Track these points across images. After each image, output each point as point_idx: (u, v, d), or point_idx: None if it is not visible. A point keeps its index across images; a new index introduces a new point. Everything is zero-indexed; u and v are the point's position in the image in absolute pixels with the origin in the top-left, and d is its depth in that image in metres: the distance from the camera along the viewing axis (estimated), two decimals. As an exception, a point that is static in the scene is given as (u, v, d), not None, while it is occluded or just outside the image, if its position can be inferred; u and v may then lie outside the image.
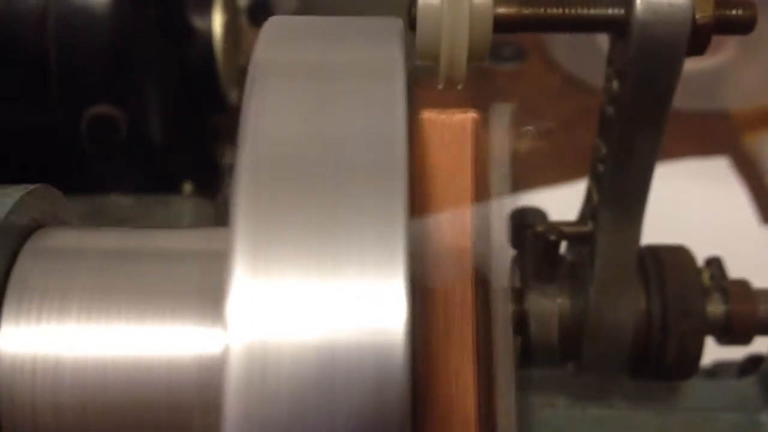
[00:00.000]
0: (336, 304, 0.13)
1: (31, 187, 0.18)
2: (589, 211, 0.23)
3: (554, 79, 0.63)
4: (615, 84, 0.21)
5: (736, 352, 0.34)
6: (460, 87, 0.20)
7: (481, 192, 0.20)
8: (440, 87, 0.20)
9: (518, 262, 0.25)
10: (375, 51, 0.17)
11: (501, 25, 0.20)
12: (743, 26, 0.20)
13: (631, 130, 0.21)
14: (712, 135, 0.57)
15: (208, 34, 0.44)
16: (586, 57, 0.63)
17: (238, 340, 0.13)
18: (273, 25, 0.18)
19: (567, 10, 0.19)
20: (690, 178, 0.46)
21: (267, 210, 0.14)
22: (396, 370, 0.13)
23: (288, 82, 0.16)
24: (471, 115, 0.20)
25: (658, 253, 0.25)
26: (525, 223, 0.25)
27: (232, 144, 0.49)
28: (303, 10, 0.64)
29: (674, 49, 0.19)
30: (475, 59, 0.20)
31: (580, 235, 0.23)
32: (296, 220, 0.14)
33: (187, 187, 0.43)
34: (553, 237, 0.23)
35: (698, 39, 0.19)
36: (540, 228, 0.23)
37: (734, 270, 0.44)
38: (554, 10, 0.20)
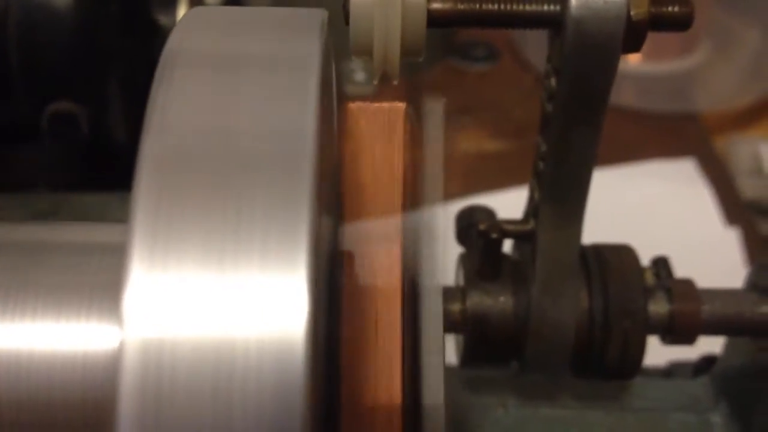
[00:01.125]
0: (236, 300, 0.13)
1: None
2: (531, 209, 0.23)
3: (527, 79, 0.63)
4: (553, 81, 0.21)
5: (692, 352, 0.34)
6: (395, 82, 0.20)
7: (415, 186, 0.20)
8: (375, 82, 0.20)
9: (463, 260, 0.25)
10: (292, 43, 0.16)
11: (436, 20, 0.20)
12: (680, 23, 0.20)
13: (568, 127, 0.21)
14: (682, 136, 0.58)
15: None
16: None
17: (132, 336, 0.13)
18: (193, 14, 0.17)
19: (503, 6, 0.19)
20: (656, 179, 0.46)
21: (167, 203, 0.14)
22: (296, 369, 0.13)
23: (198, 73, 0.16)
24: (400, 105, 0.20)
25: (601, 252, 0.25)
26: (473, 221, 0.25)
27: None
28: (275, 4, 0.64)
29: (609, 45, 0.19)
30: (409, 54, 0.20)
31: (522, 233, 0.23)
32: (197, 214, 0.14)
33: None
34: (494, 235, 0.23)
35: (634, 36, 0.19)
36: (482, 226, 0.23)
37: (698, 270, 0.44)
38: (490, 6, 0.19)
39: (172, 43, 0.16)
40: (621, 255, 0.24)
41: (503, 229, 0.23)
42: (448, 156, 0.59)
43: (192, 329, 0.13)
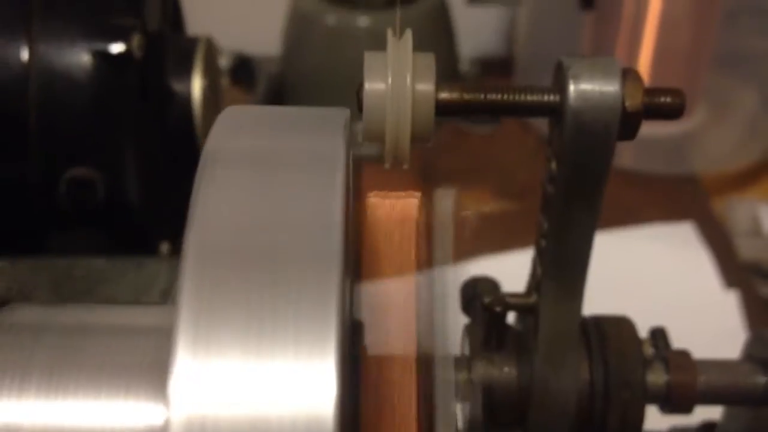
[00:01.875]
0: (271, 383, 0.15)
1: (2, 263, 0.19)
2: (533, 283, 0.24)
3: (529, 140, 0.65)
4: (554, 164, 0.22)
5: (693, 418, 0.35)
6: (405, 167, 0.21)
7: (424, 268, 0.21)
8: (386, 166, 0.21)
9: (469, 330, 0.26)
10: (319, 142, 0.18)
11: (443, 109, 0.21)
12: (672, 113, 0.21)
13: (568, 208, 0.22)
14: (681, 198, 0.59)
15: (188, 98, 0.45)
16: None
17: (178, 415, 0.14)
18: (227, 115, 0.19)
19: (506, 96, 0.21)
20: (655, 242, 0.48)
21: (210, 292, 0.15)
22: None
23: (235, 172, 0.17)
24: (414, 199, 0.21)
25: (601, 324, 0.26)
26: (477, 292, 0.26)
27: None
28: (285, 71, 0.66)
29: (606, 134, 0.21)
30: (418, 141, 0.21)
31: (525, 306, 0.24)
32: (237, 303, 0.15)
33: (165, 246, 0.44)
34: (498, 309, 0.24)
35: (629, 125, 0.21)
36: (487, 299, 0.24)
37: (697, 334, 0.45)
38: (494, 96, 0.21)
39: (211, 143, 0.18)
40: (620, 327, 0.25)
41: (507, 302, 0.24)
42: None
43: (231, 408, 0.14)
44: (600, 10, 0.61)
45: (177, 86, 0.45)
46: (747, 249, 0.54)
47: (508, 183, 0.62)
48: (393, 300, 0.20)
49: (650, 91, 0.21)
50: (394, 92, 0.20)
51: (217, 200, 0.16)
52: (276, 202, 0.16)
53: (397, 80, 0.20)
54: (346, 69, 0.62)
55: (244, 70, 0.67)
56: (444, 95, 0.21)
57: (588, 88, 0.20)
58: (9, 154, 0.41)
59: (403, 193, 0.22)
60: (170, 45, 0.46)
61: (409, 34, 0.21)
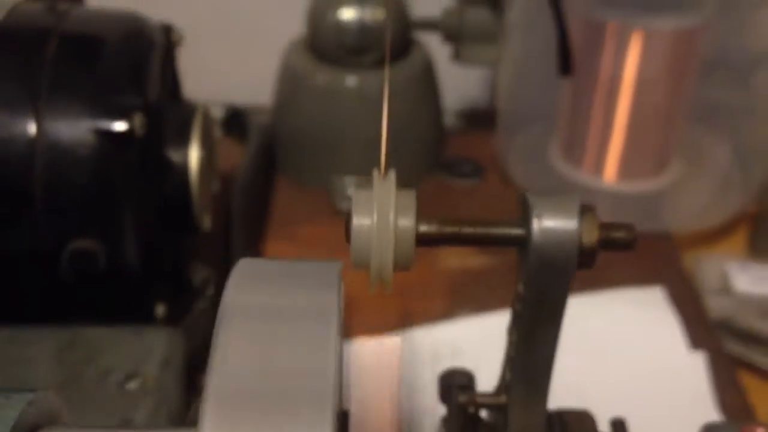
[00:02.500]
0: None
1: (31, 395, 0.21)
2: (503, 385, 0.27)
3: (510, 194, 0.67)
4: (521, 286, 0.24)
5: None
6: (388, 291, 0.24)
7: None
8: (371, 291, 0.24)
9: (445, 423, 0.28)
10: (316, 297, 0.21)
11: (423, 240, 0.24)
12: (626, 246, 0.23)
13: (534, 325, 0.25)
14: (653, 256, 0.61)
15: (185, 168, 0.47)
16: (539, 175, 0.68)
17: None
18: (240, 269, 0.22)
19: (478, 230, 0.23)
20: (625, 306, 0.50)
21: (227, 428, 0.18)
22: None
23: (247, 325, 0.20)
24: (396, 340, 0.24)
25: (564, 418, 0.28)
26: (453, 383, 0.29)
27: (203, 263, 0.52)
28: (276, 125, 0.68)
29: (565, 265, 0.23)
30: (400, 269, 0.24)
31: (496, 405, 0.27)
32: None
33: (161, 308, 0.46)
34: (471, 409, 0.26)
35: (586, 257, 0.23)
36: (461, 398, 0.27)
37: (663, 396, 0.47)
38: (468, 229, 0.23)
39: (228, 296, 0.21)
40: (582, 421, 0.28)
41: (478, 402, 0.27)
42: (433, 272, 0.62)
43: None
44: (578, 71, 0.64)
45: (175, 157, 0.47)
46: (716, 307, 0.57)
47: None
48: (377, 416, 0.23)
49: (605, 226, 0.23)
50: (379, 228, 0.23)
51: (232, 349, 0.19)
52: (281, 352, 0.20)
53: (381, 217, 0.23)
54: (335, 126, 0.65)
55: (236, 122, 0.70)
56: (423, 229, 0.23)
57: (550, 225, 0.23)
58: (15, 226, 0.43)
59: (386, 338, 0.24)
60: (169, 116, 0.48)
61: (392, 175, 0.24)
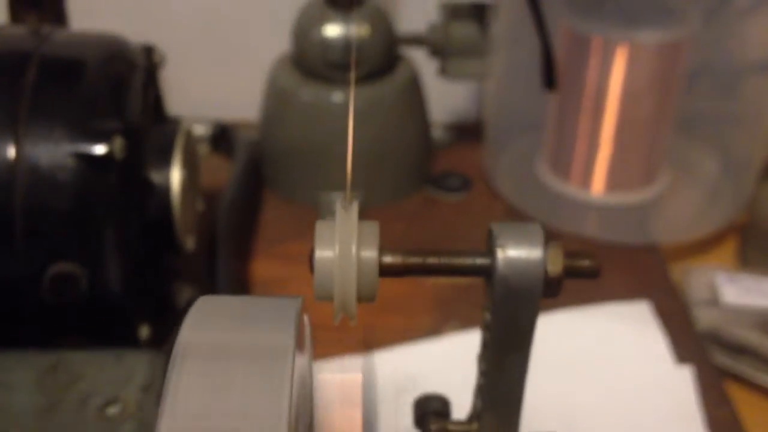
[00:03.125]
0: None
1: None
2: (475, 413, 0.27)
3: (497, 207, 0.67)
4: (488, 315, 0.24)
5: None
6: (353, 323, 0.24)
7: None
8: (336, 322, 0.24)
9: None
10: (273, 334, 0.21)
11: (387, 271, 0.23)
12: (590, 274, 0.23)
13: (502, 353, 0.25)
14: (641, 268, 0.61)
15: (167, 190, 0.47)
16: (527, 189, 0.68)
17: None
18: (199, 308, 0.22)
19: (443, 260, 0.23)
20: (611, 321, 0.50)
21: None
22: None
23: (201, 364, 0.20)
24: (357, 377, 0.24)
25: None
26: (427, 409, 0.29)
27: (187, 283, 0.52)
28: (263, 140, 0.68)
29: (530, 294, 0.23)
30: (364, 300, 0.23)
31: (467, 433, 0.27)
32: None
33: (144, 330, 0.46)
34: (443, 437, 0.26)
35: (552, 285, 0.23)
36: (433, 426, 0.26)
37: (651, 411, 0.47)
38: (432, 260, 0.23)
39: (184, 336, 0.21)
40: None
41: (450, 430, 0.27)
42: (421, 288, 0.62)
43: None
44: (564, 84, 0.64)
45: (156, 178, 0.47)
46: (704, 318, 0.57)
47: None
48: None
49: (570, 255, 0.23)
50: (341, 259, 0.23)
51: (185, 389, 0.19)
52: (234, 393, 0.19)
53: (343, 248, 0.23)
54: (322, 141, 0.65)
55: (223, 138, 0.70)
56: (387, 260, 0.23)
57: (514, 255, 0.23)
58: (-5, 251, 0.43)
59: (348, 375, 0.24)
60: (151, 137, 0.48)
61: (355, 206, 0.24)
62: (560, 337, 0.47)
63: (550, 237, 0.24)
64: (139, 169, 0.47)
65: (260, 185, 0.68)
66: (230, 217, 0.58)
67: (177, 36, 0.78)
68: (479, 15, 0.68)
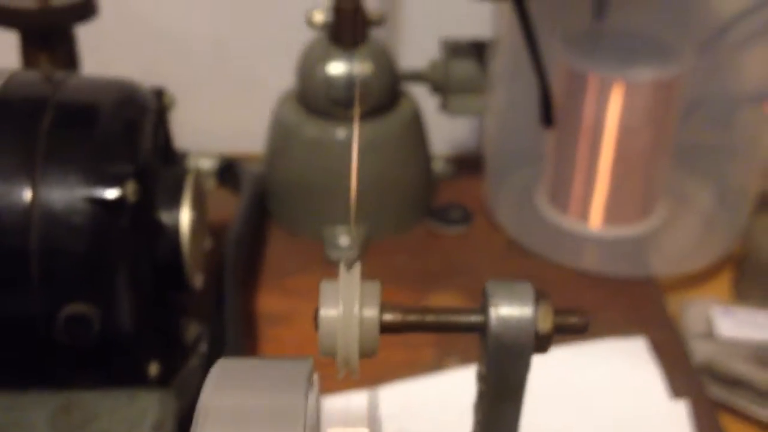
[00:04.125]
0: None
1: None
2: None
3: (498, 240, 0.69)
4: (483, 368, 0.26)
5: None
6: (355, 377, 0.25)
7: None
8: (339, 377, 0.25)
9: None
10: (285, 396, 0.22)
11: (388, 329, 0.25)
12: (578, 330, 0.25)
13: (496, 404, 0.26)
14: (639, 301, 0.63)
15: (176, 231, 0.49)
16: (526, 222, 0.69)
17: None
18: (217, 371, 0.23)
19: (440, 318, 0.25)
20: (608, 357, 0.51)
21: None
22: None
23: (221, 427, 0.21)
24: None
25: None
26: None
27: (195, 319, 0.54)
28: (268, 174, 0.70)
29: (522, 350, 0.25)
30: (366, 355, 0.25)
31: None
32: None
33: (153, 367, 0.48)
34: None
35: (542, 342, 0.25)
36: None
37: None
38: (430, 317, 0.25)
39: (203, 400, 0.22)
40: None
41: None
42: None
43: None
44: (561, 120, 0.66)
45: (167, 220, 0.49)
46: (700, 351, 0.58)
47: (475, 285, 0.65)
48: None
49: (560, 312, 0.25)
50: (344, 318, 0.24)
51: None
52: None
53: (346, 308, 0.24)
54: (325, 177, 0.67)
55: (229, 172, 0.72)
56: (388, 318, 0.25)
57: (506, 313, 0.24)
58: (11, 291, 0.44)
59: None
60: (161, 179, 0.50)
61: (358, 266, 0.25)
62: (557, 374, 0.48)
63: (541, 295, 0.25)
64: (150, 211, 0.48)
65: (265, 219, 0.70)
66: (237, 253, 0.59)
67: (185, 71, 0.80)
68: (478, 52, 0.69)
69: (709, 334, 0.59)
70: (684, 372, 0.55)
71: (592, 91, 0.65)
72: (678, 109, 0.65)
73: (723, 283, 0.67)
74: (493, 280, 0.25)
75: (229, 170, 0.72)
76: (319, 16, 0.66)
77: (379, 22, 0.67)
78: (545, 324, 0.24)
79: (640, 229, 0.68)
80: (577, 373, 0.50)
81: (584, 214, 0.68)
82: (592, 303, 0.62)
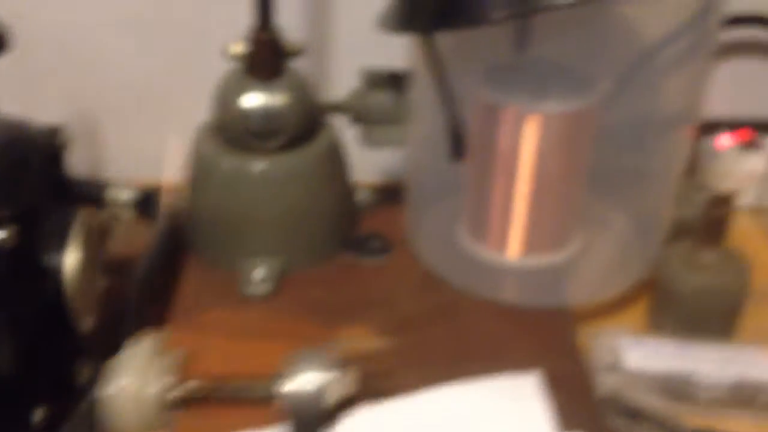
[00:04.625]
0: None
1: None
2: None
3: (416, 273, 0.68)
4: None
5: None
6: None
7: None
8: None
9: None
10: None
11: (177, 405, 0.25)
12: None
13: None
14: (548, 332, 0.63)
15: (60, 274, 0.49)
16: (446, 253, 0.69)
17: None
18: None
19: (230, 391, 0.25)
20: (494, 396, 0.51)
21: None
22: None
23: None
24: None
25: None
26: None
27: (90, 359, 0.53)
28: (188, 206, 0.70)
29: (312, 421, 0.25)
30: (157, 430, 0.25)
31: None
32: None
33: (39, 413, 0.47)
34: None
35: (329, 415, 0.25)
36: None
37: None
38: (223, 390, 0.25)
39: None
40: None
41: None
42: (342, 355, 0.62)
43: None
44: (477, 151, 0.65)
45: (50, 262, 0.49)
46: (606, 383, 0.58)
47: (391, 318, 0.65)
48: None
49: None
50: (124, 396, 0.24)
51: None
52: None
53: (128, 385, 0.24)
54: (242, 209, 0.67)
55: (147, 204, 0.71)
56: (175, 394, 0.25)
57: (295, 389, 0.24)
58: None
59: None
60: (48, 221, 0.49)
61: (149, 340, 0.25)
62: (443, 414, 0.48)
63: (338, 364, 0.25)
64: (33, 254, 0.48)
65: (181, 252, 0.69)
66: (141, 290, 0.59)
67: (112, 101, 0.80)
68: (396, 83, 0.69)
69: (615, 366, 0.59)
70: (584, 405, 0.55)
71: (507, 123, 0.65)
72: (592, 137, 0.65)
73: (638, 311, 0.67)
74: (296, 351, 0.25)
75: (146, 202, 0.72)
76: (237, 48, 0.66)
77: (298, 53, 0.67)
78: (331, 399, 0.24)
79: (557, 258, 0.68)
80: (465, 411, 0.50)
81: (502, 245, 0.68)
82: (504, 334, 0.62)
